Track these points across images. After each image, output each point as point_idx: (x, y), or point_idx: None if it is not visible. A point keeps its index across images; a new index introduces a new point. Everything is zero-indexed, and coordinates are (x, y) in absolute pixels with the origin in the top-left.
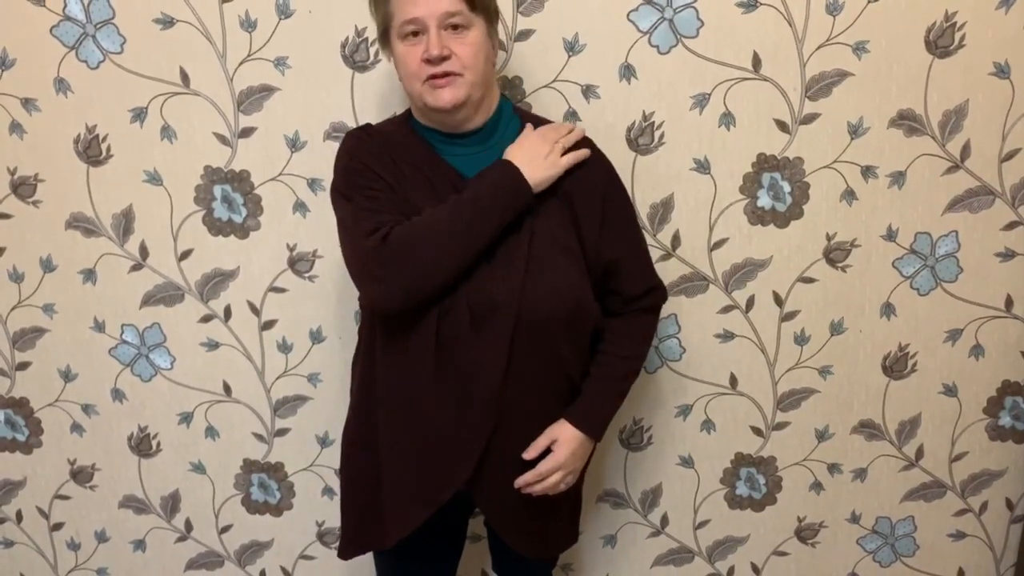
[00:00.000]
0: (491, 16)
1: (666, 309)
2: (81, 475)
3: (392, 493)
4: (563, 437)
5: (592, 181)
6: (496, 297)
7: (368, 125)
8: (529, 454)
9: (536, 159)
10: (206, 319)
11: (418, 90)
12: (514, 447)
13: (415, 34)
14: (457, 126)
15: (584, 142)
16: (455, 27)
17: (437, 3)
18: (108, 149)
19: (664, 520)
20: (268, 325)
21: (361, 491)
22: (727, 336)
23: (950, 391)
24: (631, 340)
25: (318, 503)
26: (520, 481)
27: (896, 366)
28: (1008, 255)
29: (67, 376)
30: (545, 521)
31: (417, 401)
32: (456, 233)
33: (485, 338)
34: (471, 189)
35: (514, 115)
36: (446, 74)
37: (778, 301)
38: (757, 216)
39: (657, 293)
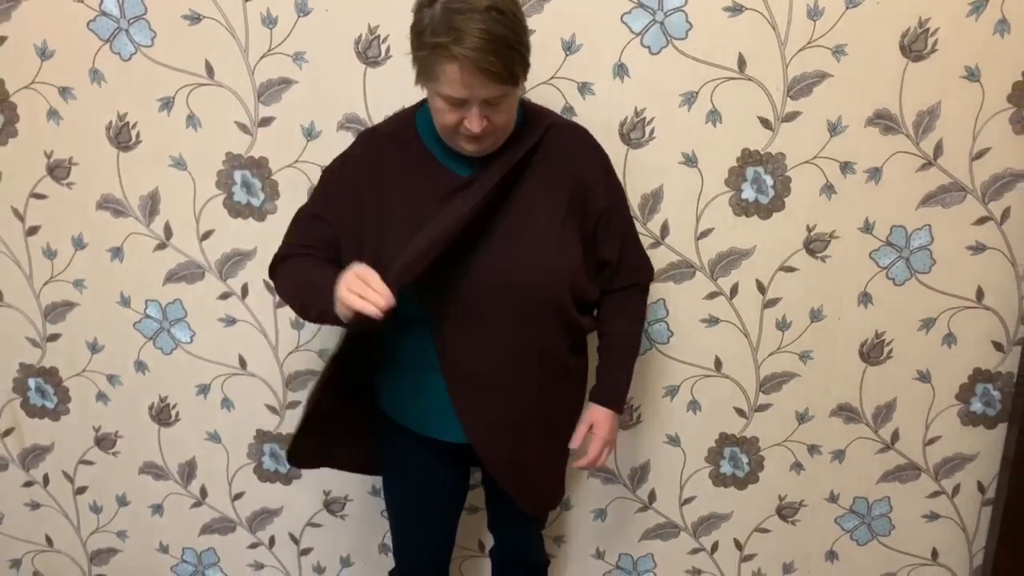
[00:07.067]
0: (526, 74)
1: (655, 294)
2: (105, 442)
3: None
4: (598, 419)
5: (594, 168)
6: (479, 273)
7: (377, 128)
8: (575, 443)
9: None
10: (224, 296)
11: (449, 136)
12: (508, 406)
13: (455, 102)
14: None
15: (583, 134)
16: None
17: (482, 89)
18: (137, 135)
19: (652, 496)
20: (282, 303)
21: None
22: (712, 321)
23: (924, 377)
24: (628, 320)
25: (326, 474)
26: (578, 464)
27: (873, 352)
28: (979, 248)
29: (94, 348)
30: (538, 479)
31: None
32: (291, 300)
33: (466, 311)
34: (309, 288)
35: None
36: (483, 136)
37: (761, 289)
38: (741, 208)
39: (646, 272)
